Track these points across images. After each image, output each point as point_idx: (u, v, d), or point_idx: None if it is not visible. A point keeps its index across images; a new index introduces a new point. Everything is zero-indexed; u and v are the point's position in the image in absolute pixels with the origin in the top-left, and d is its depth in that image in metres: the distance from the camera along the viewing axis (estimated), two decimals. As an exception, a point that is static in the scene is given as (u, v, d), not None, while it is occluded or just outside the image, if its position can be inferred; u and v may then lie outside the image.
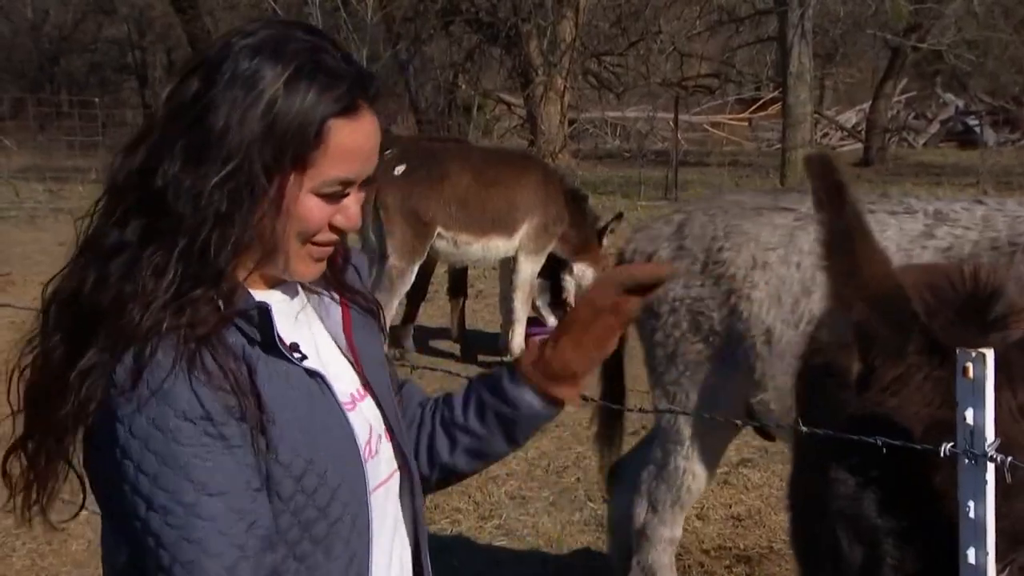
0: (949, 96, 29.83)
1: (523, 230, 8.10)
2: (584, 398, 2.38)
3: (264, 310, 1.56)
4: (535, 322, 8.45)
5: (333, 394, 1.63)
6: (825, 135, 28.67)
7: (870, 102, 26.32)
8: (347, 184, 1.59)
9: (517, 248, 8.13)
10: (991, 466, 1.39)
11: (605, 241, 8.73)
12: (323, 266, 1.65)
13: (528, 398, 1.79)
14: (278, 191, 1.54)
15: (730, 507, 5.33)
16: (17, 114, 30.92)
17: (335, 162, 1.56)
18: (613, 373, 4.35)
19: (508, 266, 8.27)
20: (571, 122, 24.61)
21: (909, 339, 1.49)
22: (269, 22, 1.61)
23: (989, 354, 1.39)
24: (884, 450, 1.50)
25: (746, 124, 30.65)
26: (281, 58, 1.54)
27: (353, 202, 1.61)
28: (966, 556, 1.41)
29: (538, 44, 22.52)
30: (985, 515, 1.40)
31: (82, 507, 1.69)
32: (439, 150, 8.37)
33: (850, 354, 1.53)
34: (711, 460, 3.95)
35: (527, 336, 8.21)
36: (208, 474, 1.47)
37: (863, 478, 1.50)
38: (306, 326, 1.68)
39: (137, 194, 1.54)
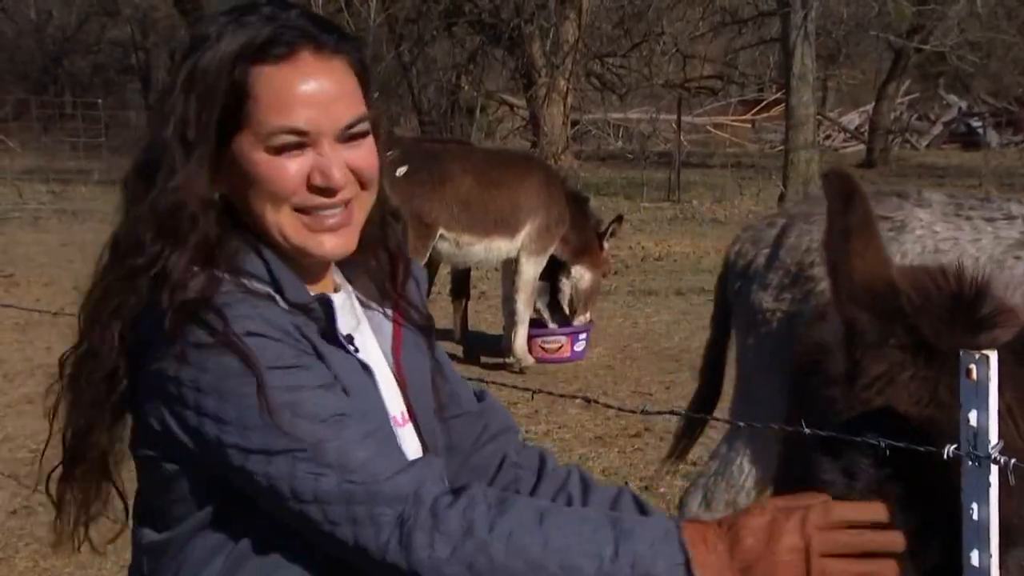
0: (952, 98, 29.81)
1: (525, 231, 8.10)
2: (587, 400, 2.37)
3: (326, 301, 1.56)
4: (537, 323, 8.45)
5: (380, 393, 1.62)
6: (828, 136, 28.65)
7: (873, 103, 26.31)
8: (300, 134, 1.53)
9: (519, 249, 8.13)
10: (995, 468, 1.39)
11: (606, 244, 8.72)
12: (338, 242, 1.59)
13: None
14: (230, 153, 1.53)
15: (733, 509, 5.32)
16: (20, 115, 30.92)
17: (271, 110, 1.51)
18: (712, 377, 4.24)
19: (510, 267, 8.27)
20: (574, 123, 24.60)
21: (892, 333, 1.49)
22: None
23: (992, 356, 1.39)
24: (887, 452, 1.50)
25: (749, 126, 30.63)
26: (214, 22, 1.55)
27: (330, 158, 1.54)
28: (970, 558, 1.41)
29: (541, 45, 22.51)
30: (988, 517, 1.40)
31: (123, 528, 1.70)
32: (441, 151, 8.38)
33: (838, 351, 1.52)
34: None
35: (529, 338, 8.22)
36: (313, 405, 1.46)
37: (850, 474, 1.50)
38: (358, 335, 1.66)
39: (136, 186, 1.57)
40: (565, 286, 8.48)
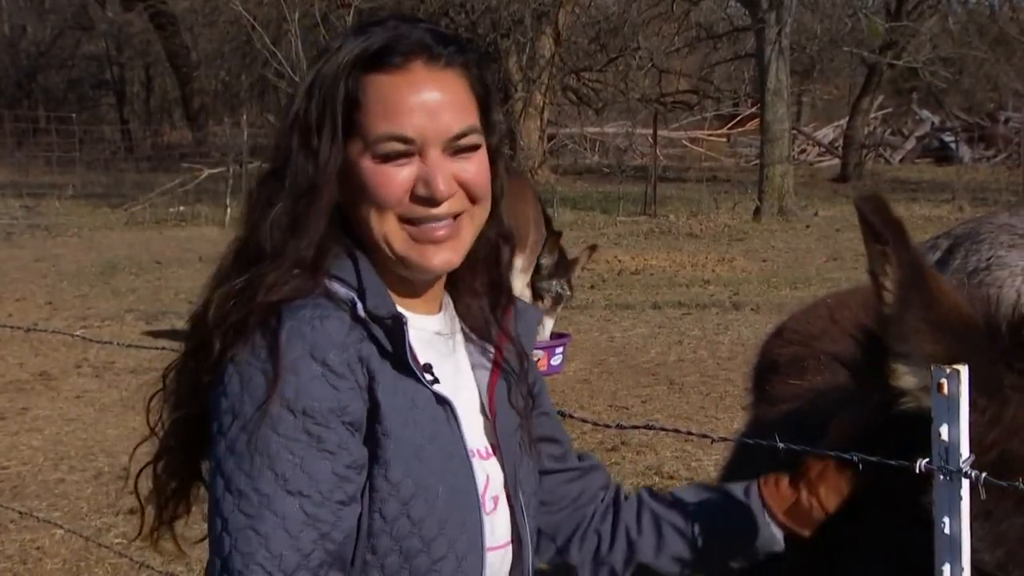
0: (925, 113, 30.09)
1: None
2: (561, 414, 2.37)
3: (398, 318, 1.50)
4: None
5: (459, 426, 1.55)
6: (803, 151, 28.84)
7: (847, 118, 26.53)
8: (406, 142, 1.51)
9: (510, 265, 8.11)
10: (966, 482, 1.40)
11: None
12: (443, 256, 1.55)
13: (778, 539, 1.70)
14: (343, 161, 1.52)
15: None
16: (-6, 130, 30.71)
17: (379, 117, 1.51)
18: None
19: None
20: (550, 138, 24.71)
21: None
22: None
23: (963, 371, 1.40)
24: (860, 466, 1.51)
25: (724, 140, 30.80)
26: (342, 34, 1.58)
27: (435, 168, 1.52)
28: (942, 572, 1.42)
29: (517, 60, 22.60)
30: (960, 531, 1.41)
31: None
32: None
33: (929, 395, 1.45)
34: None
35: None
36: (292, 470, 1.43)
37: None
38: (452, 362, 1.61)
39: (261, 194, 1.57)
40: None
